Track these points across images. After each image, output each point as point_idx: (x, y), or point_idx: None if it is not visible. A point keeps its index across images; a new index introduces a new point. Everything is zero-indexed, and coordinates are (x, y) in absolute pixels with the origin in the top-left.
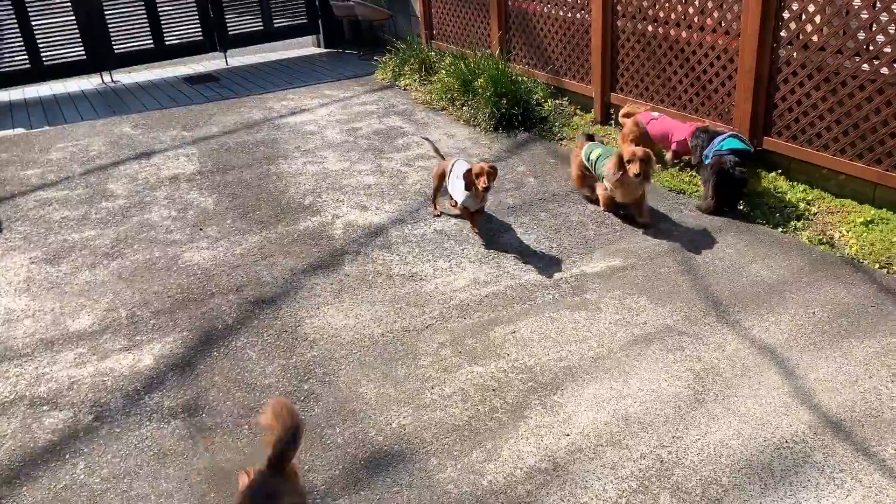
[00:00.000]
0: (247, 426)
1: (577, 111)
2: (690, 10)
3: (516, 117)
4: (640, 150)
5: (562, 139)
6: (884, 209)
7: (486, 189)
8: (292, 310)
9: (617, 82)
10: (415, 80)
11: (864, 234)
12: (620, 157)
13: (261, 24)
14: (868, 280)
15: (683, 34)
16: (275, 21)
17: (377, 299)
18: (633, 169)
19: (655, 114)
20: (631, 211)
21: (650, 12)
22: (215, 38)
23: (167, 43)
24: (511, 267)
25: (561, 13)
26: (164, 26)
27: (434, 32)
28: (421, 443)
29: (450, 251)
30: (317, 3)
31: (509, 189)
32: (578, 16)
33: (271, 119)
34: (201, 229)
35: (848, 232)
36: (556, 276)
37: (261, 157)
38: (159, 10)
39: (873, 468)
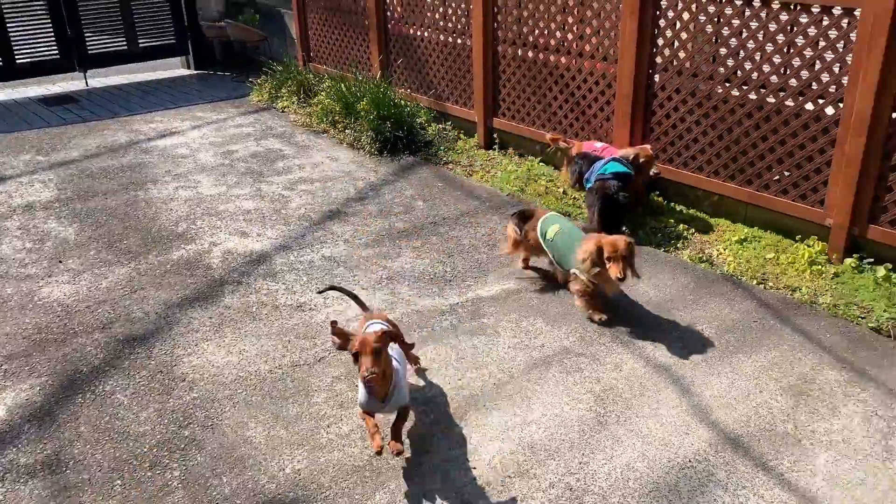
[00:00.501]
0: (119, 481)
1: (461, 135)
2: (569, 36)
3: (401, 140)
4: (621, 242)
5: (447, 163)
6: (756, 227)
7: (387, 398)
8: (167, 348)
9: (499, 107)
10: (293, 103)
11: (740, 251)
12: (599, 250)
13: (125, 43)
14: (748, 296)
15: (563, 60)
16: (140, 40)
17: (263, 333)
18: (615, 271)
19: (599, 144)
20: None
21: (530, 38)
22: (74, 57)
23: (18, 62)
24: (406, 293)
25: (442, 38)
26: (14, 44)
27: (311, 55)
28: (318, 488)
29: (340, 278)
30: (185, 23)
31: (399, 213)
32: (460, 41)
33: (138, 142)
34: (61, 261)
35: (725, 250)
36: (453, 300)
37: (127, 182)
38: (9, 26)
39: (773, 482)
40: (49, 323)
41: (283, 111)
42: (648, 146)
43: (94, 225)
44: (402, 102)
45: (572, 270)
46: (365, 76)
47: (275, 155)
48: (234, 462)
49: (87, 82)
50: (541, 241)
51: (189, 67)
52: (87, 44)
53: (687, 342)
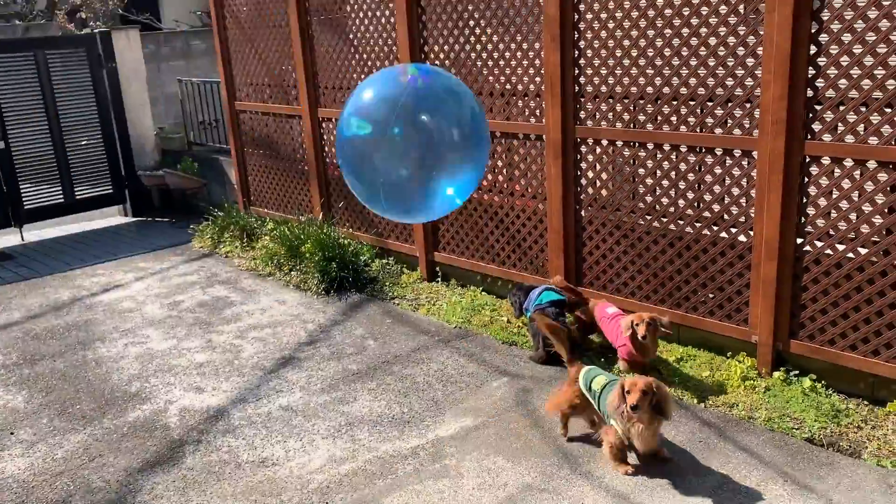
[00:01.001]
0: None
1: (404, 269)
2: (500, 177)
3: (347, 279)
4: (642, 380)
5: (393, 298)
6: (689, 346)
7: None
8: None
9: (439, 241)
10: (236, 247)
11: (678, 370)
12: (622, 387)
13: (61, 195)
14: (691, 416)
15: (497, 198)
16: (77, 191)
17: (228, 493)
18: (632, 399)
19: (612, 309)
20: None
21: None
22: (9, 212)
23: None
24: (366, 439)
25: None
26: None
27: (252, 199)
28: None
29: (299, 428)
30: (122, 172)
31: (351, 354)
32: None
33: (81, 298)
34: (12, 433)
35: (664, 369)
36: (413, 443)
37: (74, 342)
38: None
39: None
40: (5, 501)
41: (226, 256)
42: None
43: (43, 390)
44: (346, 242)
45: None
46: (307, 218)
47: (222, 303)
48: None
49: (22, 237)
50: (586, 393)
51: (126, 215)
52: (23, 198)
53: (642, 467)
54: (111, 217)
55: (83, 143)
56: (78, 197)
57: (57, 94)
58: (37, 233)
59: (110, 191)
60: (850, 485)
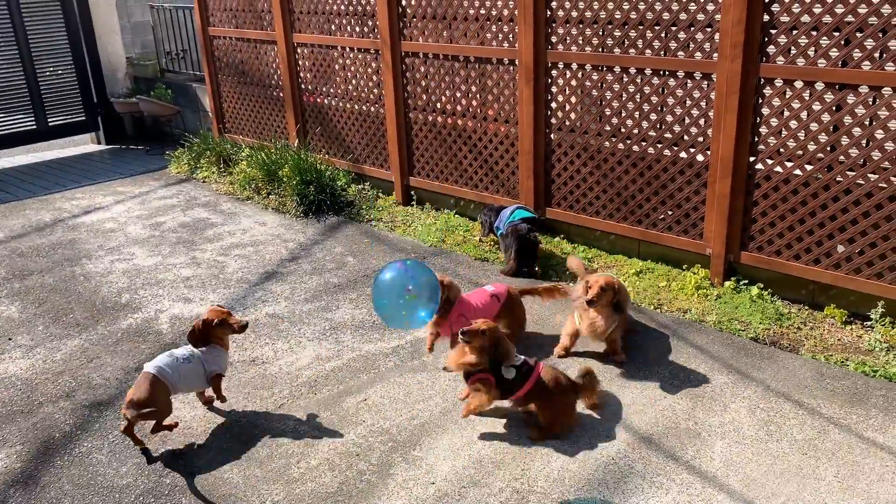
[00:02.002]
0: None
1: (380, 194)
2: (474, 102)
3: (324, 202)
4: (603, 278)
5: (370, 220)
6: (648, 260)
7: None
8: None
9: (414, 167)
10: (213, 173)
11: (637, 282)
12: (586, 282)
13: (34, 122)
14: (648, 319)
15: (470, 123)
16: (49, 118)
17: (223, 387)
18: (591, 293)
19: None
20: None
21: (439, 105)
22: None
23: None
24: (350, 341)
25: (357, 107)
26: None
27: (227, 126)
28: None
29: (286, 332)
30: (95, 99)
31: (332, 269)
32: (374, 109)
33: (63, 220)
34: (10, 339)
35: (625, 282)
36: (394, 344)
37: (61, 259)
38: None
39: (681, 468)
40: (12, 397)
41: (204, 181)
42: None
43: (36, 302)
44: (323, 167)
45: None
46: (283, 144)
47: (203, 224)
48: (218, 500)
49: None
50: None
51: (99, 143)
52: None
53: (603, 362)
54: (84, 145)
55: (51, 70)
56: (51, 124)
57: (26, 21)
58: (9, 160)
59: (83, 118)
60: (787, 374)
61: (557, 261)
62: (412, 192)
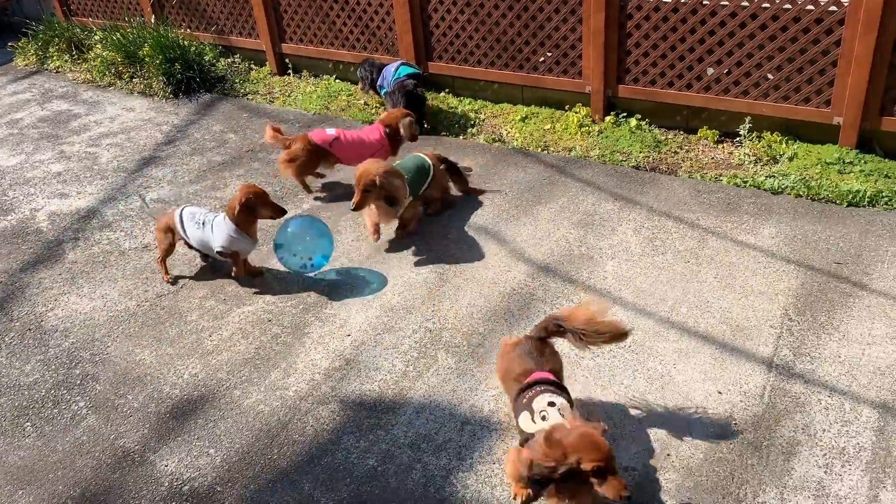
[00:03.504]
0: (28, 424)
1: (252, 66)
2: None
3: (194, 80)
4: (369, 168)
5: (246, 94)
6: (532, 105)
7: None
8: (27, 308)
9: (285, 32)
10: (66, 61)
11: (523, 127)
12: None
13: None
14: (536, 161)
15: None
16: None
17: (118, 276)
18: (353, 199)
19: (332, 130)
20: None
21: None
22: None
23: None
24: None
25: None
26: None
27: (72, 8)
28: (218, 382)
29: None
30: None
31: (213, 148)
32: None
33: None
34: None
35: (511, 129)
36: (292, 213)
37: None
38: None
39: (578, 289)
40: None
41: (57, 71)
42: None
43: None
44: (186, 42)
45: None
46: (139, 22)
47: (66, 116)
48: (133, 382)
49: None
50: None
51: None
52: None
53: (496, 205)
54: None
55: None
56: None
57: None
58: None
59: None
60: (668, 195)
61: (445, 116)
62: (287, 61)
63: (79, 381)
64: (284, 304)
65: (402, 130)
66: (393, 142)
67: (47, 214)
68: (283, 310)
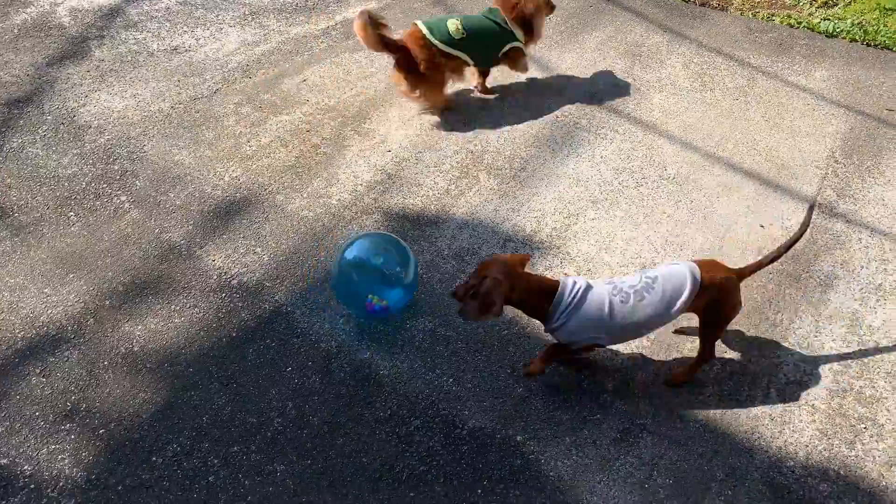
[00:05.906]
0: (73, 214)
1: None
2: None
3: None
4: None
5: None
6: None
7: None
8: (59, 103)
9: None
10: None
11: None
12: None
13: None
14: None
15: None
16: None
17: (149, 77)
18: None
19: None
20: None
21: None
22: None
23: None
24: (275, 25)
25: None
26: None
27: None
28: (260, 187)
29: (204, 19)
30: None
31: None
32: None
33: None
34: None
35: None
36: (323, 25)
37: None
38: None
39: (623, 119)
40: None
41: None
42: None
43: None
44: None
45: None
46: None
47: None
48: (174, 181)
49: None
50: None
51: None
52: None
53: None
54: None
55: None
56: None
57: None
58: None
59: None
60: (718, 31)
61: None
62: None
63: (118, 177)
64: (323, 116)
65: None
66: None
67: (68, 10)
68: (322, 122)
